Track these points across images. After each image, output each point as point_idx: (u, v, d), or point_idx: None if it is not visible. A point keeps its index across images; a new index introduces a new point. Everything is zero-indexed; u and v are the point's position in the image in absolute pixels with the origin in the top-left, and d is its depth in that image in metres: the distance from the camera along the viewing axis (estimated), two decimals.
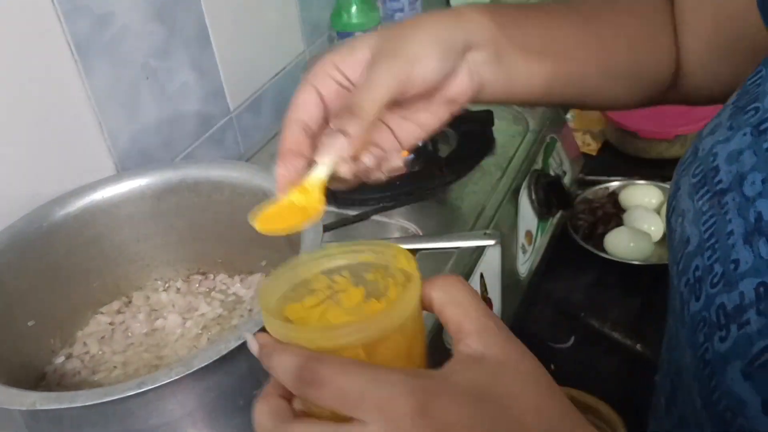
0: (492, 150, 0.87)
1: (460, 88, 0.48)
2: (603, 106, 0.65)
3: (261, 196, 0.60)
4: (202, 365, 0.42)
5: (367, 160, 0.44)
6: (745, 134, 0.37)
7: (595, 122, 1.13)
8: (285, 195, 0.43)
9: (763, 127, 0.36)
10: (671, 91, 0.56)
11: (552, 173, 0.88)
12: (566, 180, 0.90)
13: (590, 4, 0.53)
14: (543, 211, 0.85)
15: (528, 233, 0.83)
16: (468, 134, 0.89)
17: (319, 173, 0.43)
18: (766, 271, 0.32)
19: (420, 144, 0.89)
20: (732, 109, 0.40)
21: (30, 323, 0.57)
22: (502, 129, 0.89)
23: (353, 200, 0.82)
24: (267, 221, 0.42)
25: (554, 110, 0.92)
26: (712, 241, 0.36)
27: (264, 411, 0.32)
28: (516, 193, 0.81)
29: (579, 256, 0.87)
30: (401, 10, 1.31)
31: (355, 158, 0.44)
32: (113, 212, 0.61)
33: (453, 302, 0.33)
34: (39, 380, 0.58)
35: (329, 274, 0.36)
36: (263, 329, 0.33)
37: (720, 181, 0.37)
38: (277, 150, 0.46)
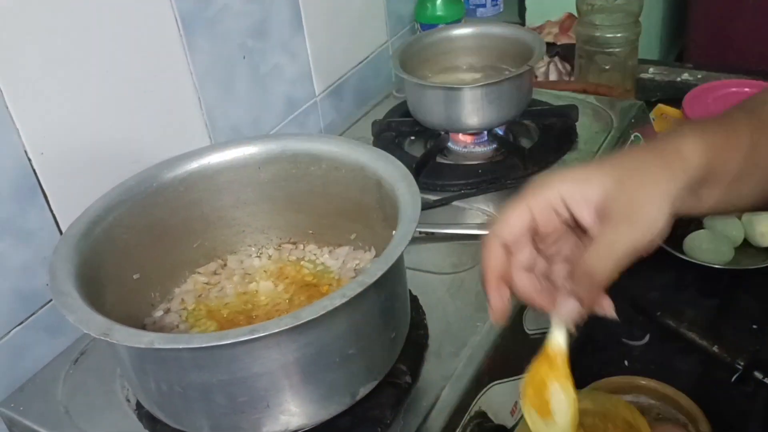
0: (575, 145, 0.87)
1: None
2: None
3: (357, 171, 0.62)
4: (310, 318, 0.44)
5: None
6: None
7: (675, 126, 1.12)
8: (501, 322, 0.48)
9: None
10: None
11: None
12: None
13: None
14: None
15: None
16: (550, 128, 0.90)
17: (558, 339, 0.46)
18: None
19: (501, 134, 0.90)
20: None
21: (135, 276, 0.61)
22: (586, 125, 0.90)
23: (435, 185, 0.84)
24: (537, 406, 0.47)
25: (639, 109, 0.92)
26: None
27: None
28: None
29: (657, 256, 0.86)
30: (483, 5, 1.32)
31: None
32: (215, 178, 0.64)
33: None
34: None
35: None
36: None
37: None
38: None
